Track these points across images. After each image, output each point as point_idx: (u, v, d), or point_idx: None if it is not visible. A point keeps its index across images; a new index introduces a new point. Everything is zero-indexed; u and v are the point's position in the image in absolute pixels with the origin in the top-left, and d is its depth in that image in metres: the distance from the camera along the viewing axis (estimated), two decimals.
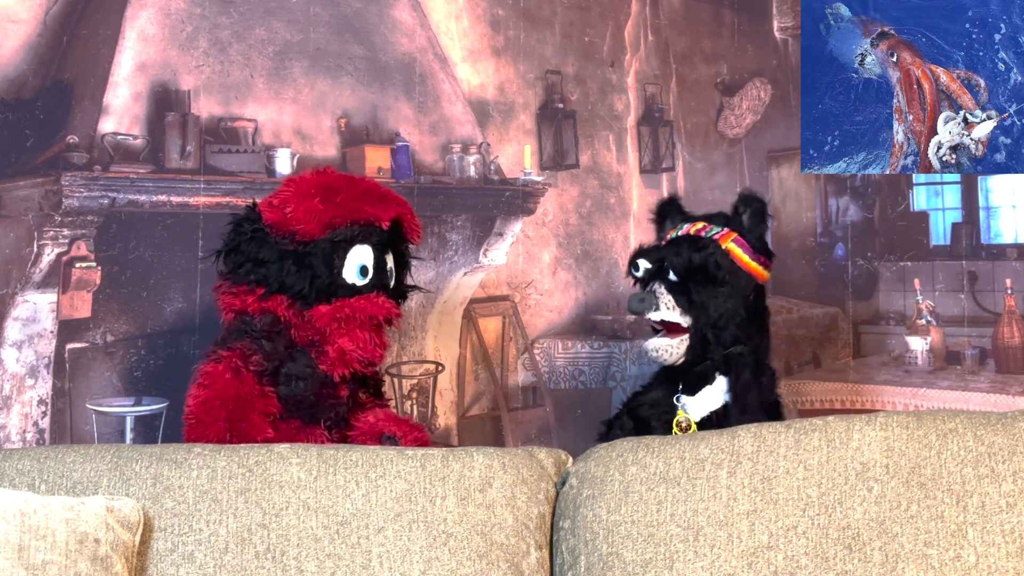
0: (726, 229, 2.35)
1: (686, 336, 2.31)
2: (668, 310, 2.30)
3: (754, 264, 2.35)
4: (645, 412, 2.37)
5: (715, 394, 2.34)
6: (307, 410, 2.20)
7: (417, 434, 2.23)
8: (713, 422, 2.30)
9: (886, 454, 1.83)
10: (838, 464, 1.83)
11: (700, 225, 2.36)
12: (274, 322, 2.20)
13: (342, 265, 2.20)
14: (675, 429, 2.33)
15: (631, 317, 3.09)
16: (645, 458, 1.89)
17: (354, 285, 2.21)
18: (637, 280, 2.39)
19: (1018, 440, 1.85)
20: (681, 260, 2.31)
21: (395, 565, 1.77)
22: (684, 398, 2.35)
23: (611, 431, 2.39)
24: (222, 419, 2.13)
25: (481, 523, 1.83)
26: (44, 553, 1.60)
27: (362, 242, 2.22)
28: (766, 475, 1.83)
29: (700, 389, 2.34)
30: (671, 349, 2.31)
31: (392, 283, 2.28)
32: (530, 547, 1.85)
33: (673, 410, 2.35)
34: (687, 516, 1.81)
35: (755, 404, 2.32)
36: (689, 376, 2.34)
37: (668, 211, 2.47)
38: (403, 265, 2.33)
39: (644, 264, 2.35)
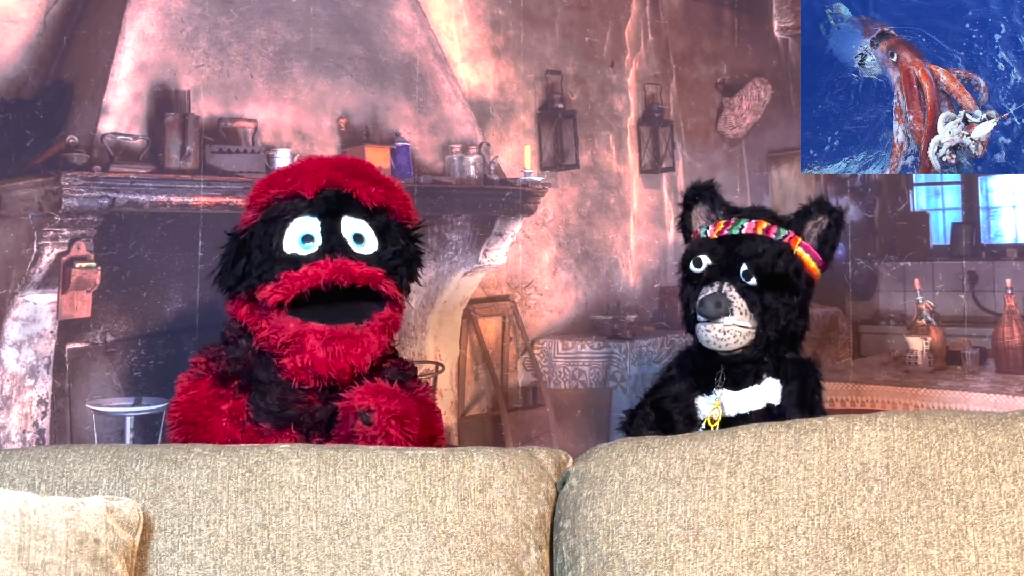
0: (791, 232, 2.26)
1: (753, 328, 2.22)
2: (740, 315, 2.21)
3: (817, 270, 2.29)
4: (668, 405, 2.30)
5: (760, 394, 2.26)
6: (276, 414, 2.20)
7: (393, 404, 2.13)
8: (748, 421, 2.19)
9: (886, 454, 1.83)
10: (838, 464, 1.83)
11: (766, 225, 2.26)
12: (240, 327, 2.21)
13: (280, 240, 2.15)
14: (708, 423, 2.24)
15: (632, 317, 3.09)
16: (645, 458, 1.88)
17: (297, 256, 2.15)
18: (690, 276, 2.28)
19: (1018, 440, 1.85)
20: (766, 263, 2.21)
21: (395, 565, 1.77)
22: (723, 392, 2.27)
23: (633, 422, 2.33)
24: (178, 423, 2.18)
25: (481, 523, 1.83)
26: (44, 553, 1.60)
27: (298, 214, 2.16)
28: (766, 475, 1.83)
29: (745, 386, 2.26)
30: (732, 337, 2.21)
31: (373, 250, 2.19)
32: (530, 547, 1.85)
33: (695, 404, 2.29)
34: (687, 516, 1.81)
35: (820, 411, 2.26)
36: (737, 370, 2.26)
37: (704, 197, 2.37)
38: (385, 231, 2.22)
39: (707, 260, 2.25)
